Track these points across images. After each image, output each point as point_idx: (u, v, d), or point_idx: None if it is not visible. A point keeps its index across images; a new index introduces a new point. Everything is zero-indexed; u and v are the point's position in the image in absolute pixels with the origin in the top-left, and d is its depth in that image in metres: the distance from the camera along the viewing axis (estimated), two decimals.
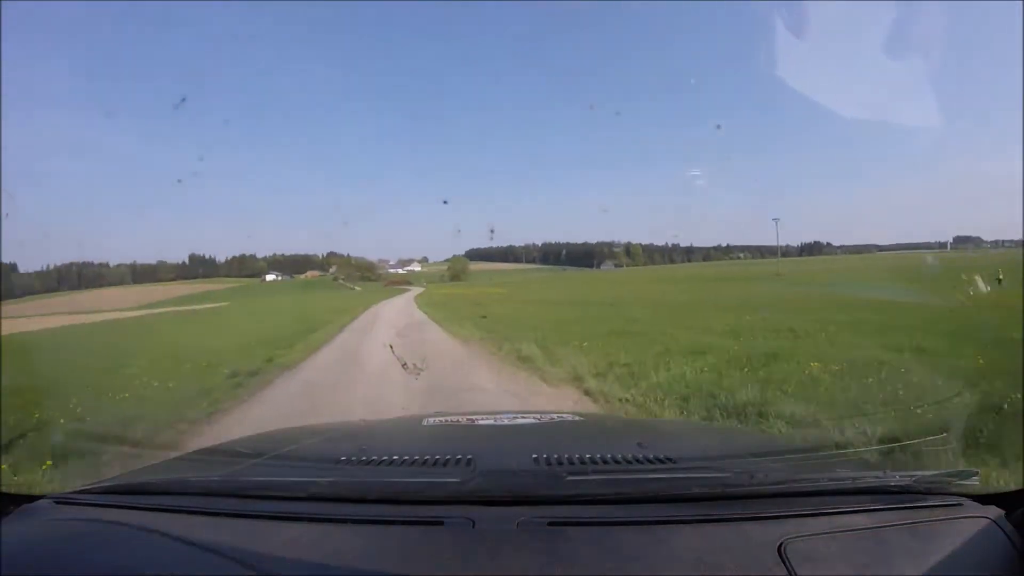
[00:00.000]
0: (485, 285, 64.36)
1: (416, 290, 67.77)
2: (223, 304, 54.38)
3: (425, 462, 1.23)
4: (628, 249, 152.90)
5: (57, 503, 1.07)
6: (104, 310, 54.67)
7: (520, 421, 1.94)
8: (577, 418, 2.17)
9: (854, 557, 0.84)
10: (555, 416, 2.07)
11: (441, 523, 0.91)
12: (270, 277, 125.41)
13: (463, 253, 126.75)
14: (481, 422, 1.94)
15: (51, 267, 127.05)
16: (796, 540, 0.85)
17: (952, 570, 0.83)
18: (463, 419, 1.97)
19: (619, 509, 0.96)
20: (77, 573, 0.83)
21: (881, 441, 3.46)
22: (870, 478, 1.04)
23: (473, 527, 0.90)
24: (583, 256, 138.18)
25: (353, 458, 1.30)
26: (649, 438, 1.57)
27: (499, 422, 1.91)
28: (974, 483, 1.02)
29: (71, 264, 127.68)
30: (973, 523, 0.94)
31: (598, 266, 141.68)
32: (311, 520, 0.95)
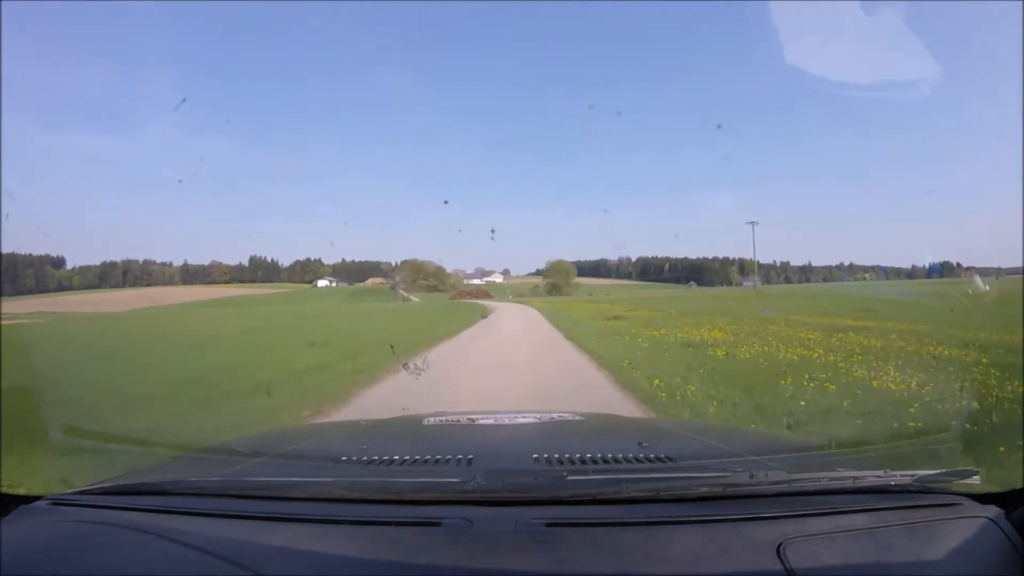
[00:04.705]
0: (619, 305, 33.43)
1: (505, 309, 34.27)
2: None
3: (425, 462, 1.23)
4: (742, 266, 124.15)
5: (55, 504, 1.06)
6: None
7: (520, 421, 1.93)
8: (577, 417, 2.13)
9: (854, 557, 0.84)
10: (555, 416, 2.05)
11: (439, 524, 0.90)
12: (322, 283, 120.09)
13: (544, 266, 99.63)
14: (481, 422, 1.93)
15: (98, 264, 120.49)
16: (796, 540, 0.85)
17: (952, 569, 0.83)
18: (464, 419, 1.97)
19: (618, 509, 0.95)
20: (76, 574, 0.82)
21: None
22: (870, 478, 1.02)
23: (471, 528, 0.89)
24: (688, 271, 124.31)
25: (353, 458, 1.30)
26: (649, 438, 1.55)
27: (499, 422, 1.90)
28: (974, 482, 1.01)
29: (114, 262, 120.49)
30: (973, 523, 0.93)
31: (739, 284, 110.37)
32: (309, 521, 0.94)
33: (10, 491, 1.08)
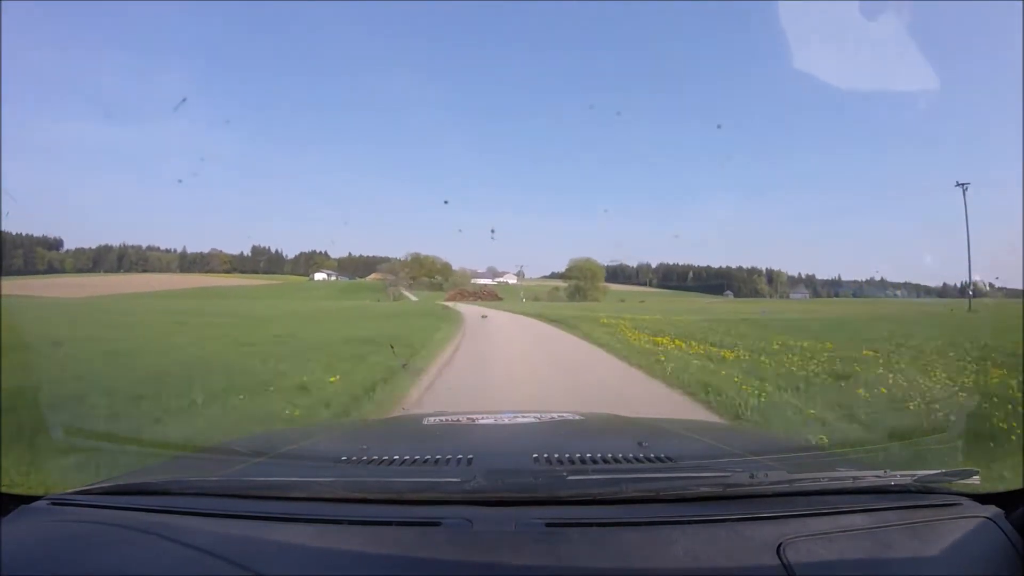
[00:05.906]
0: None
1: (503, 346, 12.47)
2: None
3: (425, 462, 1.24)
4: (770, 276, 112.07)
5: (55, 504, 1.06)
6: None
7: (520, 420, 1.94)
8: (577, 417, 2.13)
9: (854, 557, 0.83)
10: (555, 415, 2.05)
11: (439, 524, 0.90)
12: (319, 276, 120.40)
13: (566, 267, 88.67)
14: (481, 421, 1.96)
15: (94, 247, 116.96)
16: (796, 540, 0.85)
17: (952, 569, 0.83)
18: (463, 418, 1.98)
19: (618, 509, 0.95)
20: (76, 574, 0.82)
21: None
22: (870, 478, 1.02)
23: (471, 528, 0.89)
24: (712, 280, 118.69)
25: (353, 458, 1.30)
26: (649, 438, 1.55)
27: (499, 421, 1.92)
28: (974, 482, 1.01)
29: (110, 246, 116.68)
30: (973, 523, 0.93)
31: (785, 296, 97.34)
32: (310, 520, 0.94)
33: (10, 491, 1.08)
